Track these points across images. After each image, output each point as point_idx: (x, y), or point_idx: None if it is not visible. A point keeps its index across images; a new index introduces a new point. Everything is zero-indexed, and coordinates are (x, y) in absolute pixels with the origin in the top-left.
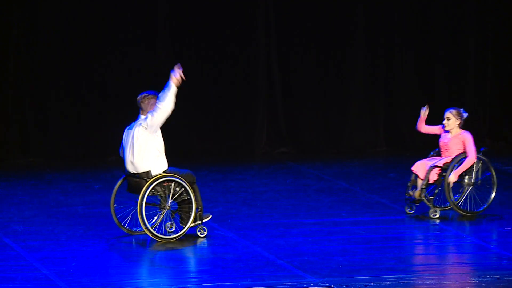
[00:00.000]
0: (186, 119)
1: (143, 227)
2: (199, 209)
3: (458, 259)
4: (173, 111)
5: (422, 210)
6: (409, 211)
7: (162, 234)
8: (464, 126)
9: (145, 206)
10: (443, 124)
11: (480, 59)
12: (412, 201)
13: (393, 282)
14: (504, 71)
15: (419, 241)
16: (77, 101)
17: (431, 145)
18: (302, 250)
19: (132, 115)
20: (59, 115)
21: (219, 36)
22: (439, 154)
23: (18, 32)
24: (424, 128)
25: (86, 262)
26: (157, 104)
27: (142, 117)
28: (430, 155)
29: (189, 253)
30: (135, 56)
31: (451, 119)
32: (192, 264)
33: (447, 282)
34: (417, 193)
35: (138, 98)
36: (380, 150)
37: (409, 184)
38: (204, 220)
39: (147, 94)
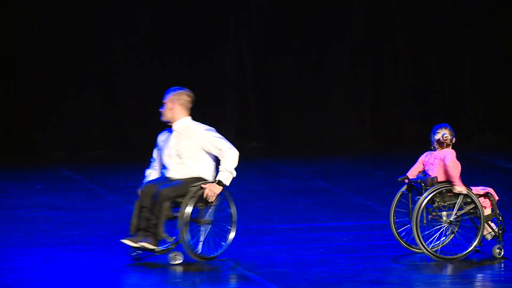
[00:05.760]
0: (154, 112)
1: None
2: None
3: (455, 269)
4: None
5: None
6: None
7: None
8: (465, 121)
9: None
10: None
11: (479, 49)
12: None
13: None
14: (506, 62)
15: (408, 249)
16: (20, 92)
17: (423, 139)
18: (275, 260)
19: (84, 107)
20: None
21: (191, 27)
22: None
23: None
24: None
25: (26, 274)
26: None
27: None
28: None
29: (149, 263)
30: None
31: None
32: (153, 276)
33: None
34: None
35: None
36: (365, 145)
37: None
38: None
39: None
